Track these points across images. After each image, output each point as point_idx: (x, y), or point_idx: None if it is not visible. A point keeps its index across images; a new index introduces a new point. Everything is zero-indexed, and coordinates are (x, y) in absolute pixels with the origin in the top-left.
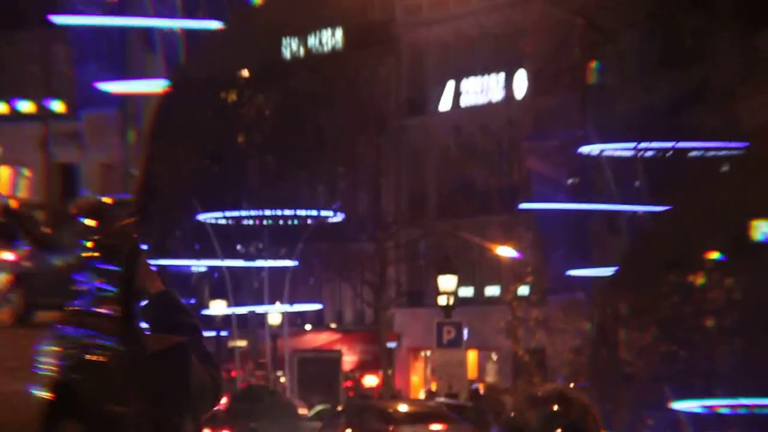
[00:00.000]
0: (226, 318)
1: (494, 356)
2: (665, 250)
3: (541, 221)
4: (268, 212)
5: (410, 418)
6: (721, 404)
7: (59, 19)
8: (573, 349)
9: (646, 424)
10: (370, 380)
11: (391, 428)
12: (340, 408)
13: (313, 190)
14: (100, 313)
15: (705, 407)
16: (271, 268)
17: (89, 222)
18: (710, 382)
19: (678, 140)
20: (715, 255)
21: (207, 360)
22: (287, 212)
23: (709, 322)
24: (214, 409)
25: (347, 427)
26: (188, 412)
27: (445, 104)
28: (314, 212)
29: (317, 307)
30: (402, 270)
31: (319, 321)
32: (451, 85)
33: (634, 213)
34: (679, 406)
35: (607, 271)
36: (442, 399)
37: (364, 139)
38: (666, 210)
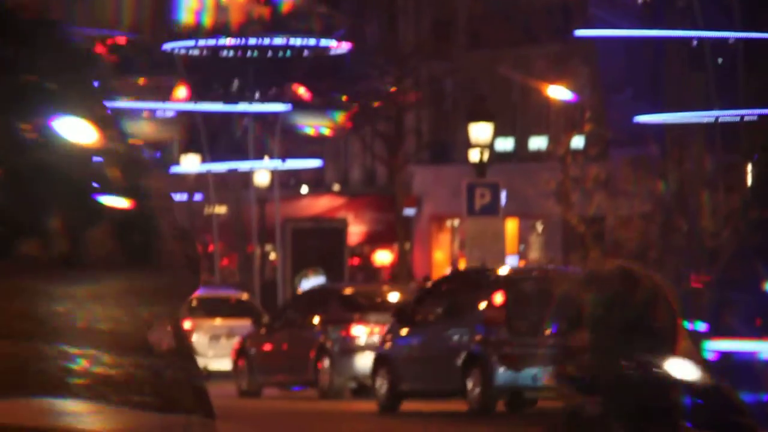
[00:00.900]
0: (201, 177)
1: (540, 226)
2: None
3: (602, 53)
4: (252, 40)
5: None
6: None
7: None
8: (642, 216)
9: (733, 310)
10: (383, 257)
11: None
12: None
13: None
14: None
15: None
16: (257, 114)
17: None
18: None
19: None
20: None
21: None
22: (277, 40)
23: None
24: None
25: None
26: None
27: None
28: (311, 41)
29: (316, 163)
30: (423, 116)
31: (318, 182)
32: None
33: (725, 41)
34: None
35: (687, 117)
36: None
37: None
38: None
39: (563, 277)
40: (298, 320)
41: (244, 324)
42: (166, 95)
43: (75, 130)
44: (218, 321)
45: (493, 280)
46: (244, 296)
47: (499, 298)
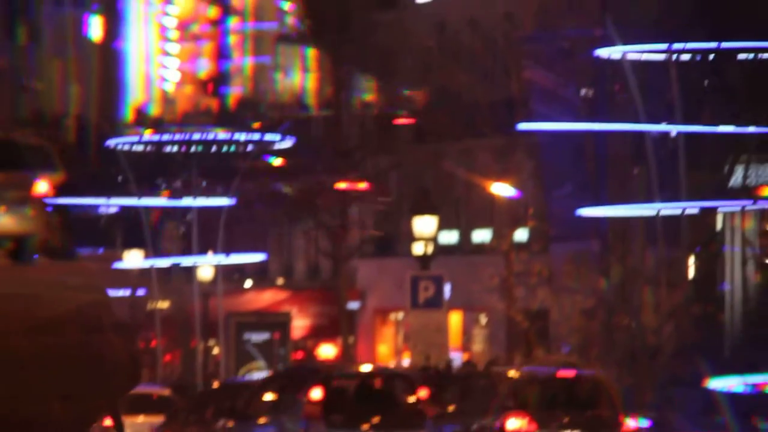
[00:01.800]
0: (144, 272)
1: (484, 319)
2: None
3: (543, 147)
4: (197, 136)
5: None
6: None
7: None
8: (584, 312)
9: (675, 406)
10: (327, 350)
11: None
12: None
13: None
14: None
15: (748, 385)
16: (201, 209)
17: None
18: (756, 354)
19: (723, 39)
20: None
21: (121, 329)
22: (222, 136)
23: (757, 277)
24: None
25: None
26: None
27: None
28: (256, 135)
29: (260, 258)
30: (367, 210)
31: (262, 276)
32: None
33: (665, 135)
34: (717, 384)
35: (629, 211)
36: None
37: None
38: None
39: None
40: (194, 417)
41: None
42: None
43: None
44: (141, 418)
45: (316, 377)
46: (166, 392)
47: (317, 393)
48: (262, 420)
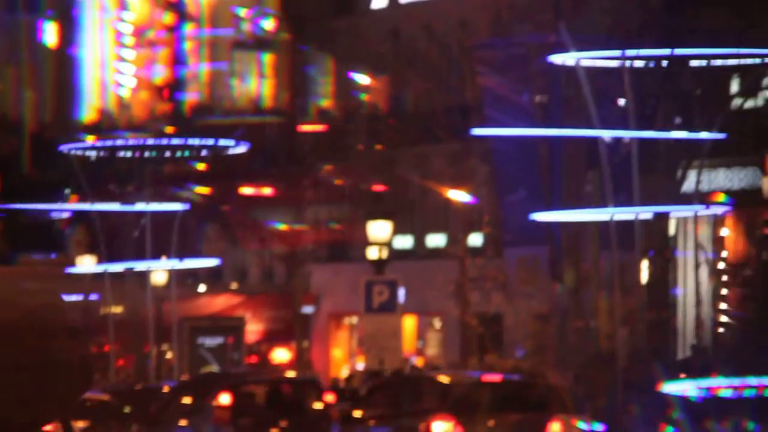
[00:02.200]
0: (98, 277)
1: (438, 323)
2: None
3: (497, 153)
4: (150, 141)
5: None
6: (723, 385)
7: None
8: (537, 316)
9: (628, 411)
10: (281, 354)
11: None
12: None
13: None
14: None
15: (702, 389)
16: (154, 213)
17: None
18: (709, 358)
19: (677, 46)
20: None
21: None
22: (175, 141)
23: (710, 281)
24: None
25: None
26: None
27: (379, 0)
28: (209, 141)
29: (214, 262)
30: (321, 215)
31: (216, 280)
32: None
33: (619, 140)
34: (670, 388)
35: (582, 216)
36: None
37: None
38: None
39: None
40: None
41: None
42: None
43: None
44: (80, 423)
45: (224, 382)
46: (105, 397)
47: (225, 399)
48: (174, 424)
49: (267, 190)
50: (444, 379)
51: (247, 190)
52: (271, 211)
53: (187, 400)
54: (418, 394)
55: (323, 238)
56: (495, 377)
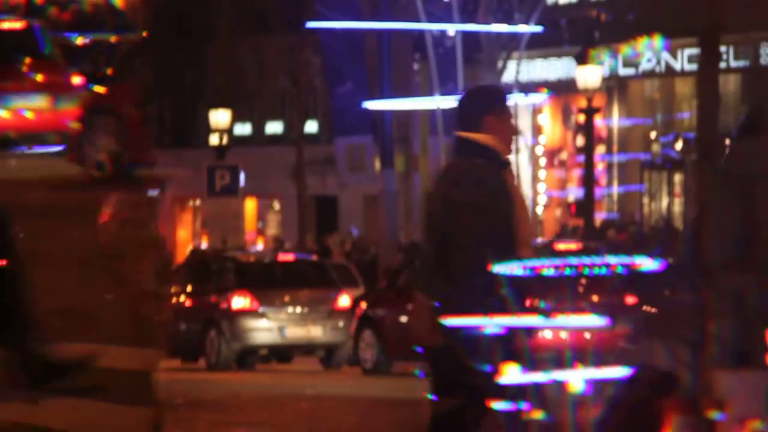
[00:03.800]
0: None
1: (277, 205)
2: None
3: (327, 47)
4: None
5: None
6: (546, 265)
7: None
8: (368, 198)
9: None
10: None
11: None
12: None
13: None
14: None
15: (527, 268)
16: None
17: None
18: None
19: None
20: None
21: None
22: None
23: (531, 164)
24: None
25: None
26: None
27: None
28: None
29: (57, 149)
30: (166, 103)
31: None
32: None
33: (444, 33)
34: (499, 268)
35: (411, 104)
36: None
37: None
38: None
39: None
40: None
41: None
42: None
43: None
44: None
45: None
46: None
47: None
48: None
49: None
50: (243, 257)
51: None
52: None
53: None
54: (220, 272)
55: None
56: (289, 257)
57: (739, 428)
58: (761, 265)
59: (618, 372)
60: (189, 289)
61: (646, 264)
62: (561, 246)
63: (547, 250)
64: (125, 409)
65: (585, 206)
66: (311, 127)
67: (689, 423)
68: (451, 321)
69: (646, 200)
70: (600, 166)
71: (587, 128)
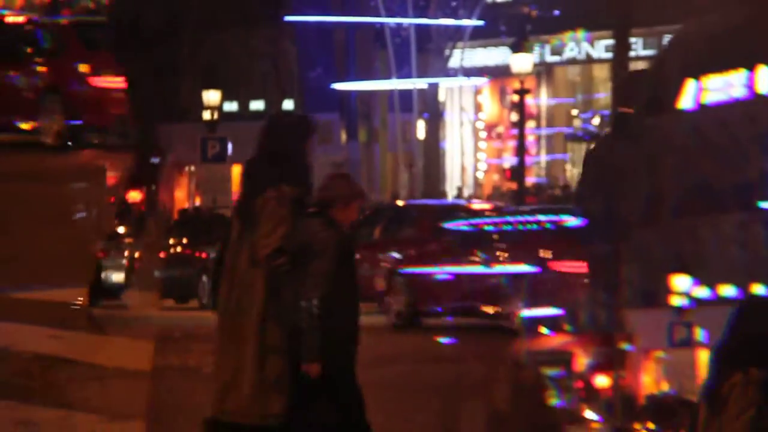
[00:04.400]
0: None
1: None
2: None
3: (301, 37)
4: None
5: None
6: (488, 222)
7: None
8: (335, 165)
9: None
10: (134, 195)
11: None
12: None
13: None
14: None
15: (471, 225)
16: None
17: None
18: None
19: None
20: None
21: None
22: None
23: (472, 137)
24: None
25: None
26: None
27: None
28: None
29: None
30: (169, 85)
31: (80, 139)
32: None
33: (400, 26)
34: (447, 225)
35: (373, 86)
36: None
37: None
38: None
39: None
40: None
41: None
42: None
43: None
44: None
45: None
46: None
47: None
48: None
49: None
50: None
51: None
52: None
53: None
54: (211, 226)
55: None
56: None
57: (644, 358)
58: (664, 221)
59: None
60: (184, 241)
61: (571, 221)
62: (475, 206)
63: (464, 210)
64: None
65: (518, 172)
66: (288, 104)
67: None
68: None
69: (569, 167)
70: (530, 138)
71: (520, 106)
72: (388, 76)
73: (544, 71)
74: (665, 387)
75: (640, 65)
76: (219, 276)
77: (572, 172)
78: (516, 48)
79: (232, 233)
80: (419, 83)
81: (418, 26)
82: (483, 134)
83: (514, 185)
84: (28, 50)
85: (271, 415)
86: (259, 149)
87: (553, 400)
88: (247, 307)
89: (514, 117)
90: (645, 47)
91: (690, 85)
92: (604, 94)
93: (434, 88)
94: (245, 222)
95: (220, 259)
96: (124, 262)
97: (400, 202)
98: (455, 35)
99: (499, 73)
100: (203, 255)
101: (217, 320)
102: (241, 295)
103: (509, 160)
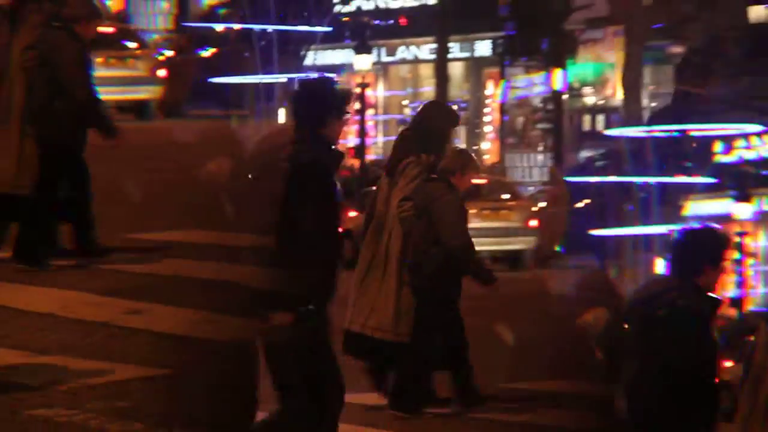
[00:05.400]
0: None
1: None
2: None
3: None
4: None
5: None
6: None
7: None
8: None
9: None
10: None
11: None
12: None
13: None
14: None
15: None
16: None
17: None
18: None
19: None
20: None
21: None
22: None
23: None
24: None
25: None
26: None
27: None
28: None
29: None
30: None
31: None
32: None
33: (264, 31)
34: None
35: (243, 80)
36: None
37: None
38: None
39: None
40: None
41: None
42: None
43: None
44: None
45: None
46: None
47: None
48: None
49: None
50: None
51: None
52: None
53: None
54: None
55: None
56: None
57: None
58: None
59: None
60: None
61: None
62: None
63: None
64: None
65: (359, 150)
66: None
67: None
68: None
69: None
70: (370, 123)
71: (361, 97)
72: (255, 73)
73: (381, 69)
74: None
75: (457, 65)
76: (369, 222)
77: None
78: (358, 50)
79: (382, 187)
80: (280, 79)
81: (279, 32)
82: None
83: (356, 161)
84: None
85: (403, 334)
86: (412, 124)
87: None
88: (391, 248)
89: (357, 106)
90: (461, 51)
91: None
92: (429, 88)
93: (292, 82)
94: (391, 178)
95: (370, 210)
96: None
97: None
98: (309, 39)
99: (344, 70)
100: None
101: (363, 256)
102: (388, 239)
103: (353, 141)
